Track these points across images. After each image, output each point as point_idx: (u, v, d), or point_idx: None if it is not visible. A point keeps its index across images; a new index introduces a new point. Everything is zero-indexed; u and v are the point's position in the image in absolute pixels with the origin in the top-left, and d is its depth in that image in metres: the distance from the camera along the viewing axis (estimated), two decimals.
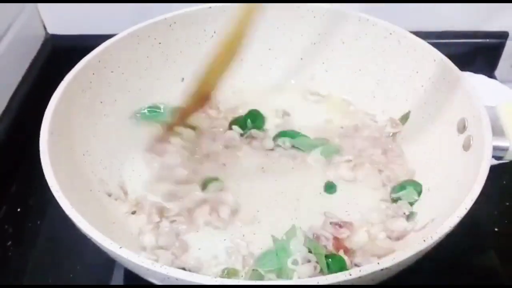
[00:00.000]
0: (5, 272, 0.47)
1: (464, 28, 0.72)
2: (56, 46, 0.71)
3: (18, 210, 0.52)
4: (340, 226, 0.45)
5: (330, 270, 0.41)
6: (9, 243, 0.49)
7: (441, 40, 0.68)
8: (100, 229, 0.34)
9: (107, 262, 0.45)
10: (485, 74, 0.64)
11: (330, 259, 0.42)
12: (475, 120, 0.43)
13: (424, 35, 0.52)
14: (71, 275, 0.47)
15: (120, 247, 0.33)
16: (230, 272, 0.42)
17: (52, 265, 0.48)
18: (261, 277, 0.41)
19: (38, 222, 0.51)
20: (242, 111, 0.58)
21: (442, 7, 0.68)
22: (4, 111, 0.59)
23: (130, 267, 0.35)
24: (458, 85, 0.47)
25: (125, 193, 0.49)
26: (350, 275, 0.31)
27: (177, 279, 0.31)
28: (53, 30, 0.73)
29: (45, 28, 0.73)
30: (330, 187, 0.50)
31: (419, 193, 0.48)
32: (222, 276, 0.41)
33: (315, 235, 0.44)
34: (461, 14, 0.70)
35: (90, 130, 0.49)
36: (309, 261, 0.41)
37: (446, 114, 0.48)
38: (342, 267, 0.41)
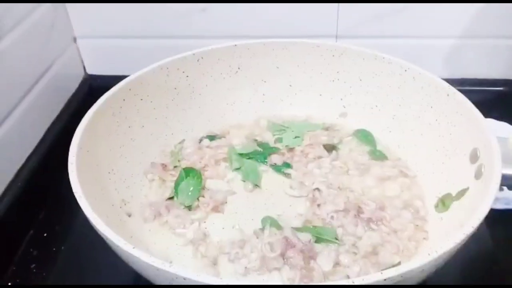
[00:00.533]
0: None
1: (487, 76, 0.74)
2: (93, 85, 0.77)
3: (45, 235, 0.55)
4: None
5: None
6: (33, 265, 0.51)
7: (462, 87, 0.71)
8: None
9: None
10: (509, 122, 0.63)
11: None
12: (486, 149, 0.44)
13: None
14: None
15: (133, 247, 0.34)
16: None
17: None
18: None
19: (62, 248, 0.53)
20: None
21: (466, 54, 0.71)
22: (39, 143, 0.62)
23: (141, 269, 0.36)
24: (470, 117, 0.48)
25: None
26: (353, 282, 0.31)
27: (184, 278, 0.32)
28: (91, 70, 0.79)
29: (84, 68, 0.79)
30: None
31: None
32: None
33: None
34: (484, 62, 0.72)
35: (116, 151, 0.52)
36: None
37: (460, 146, 0.49)
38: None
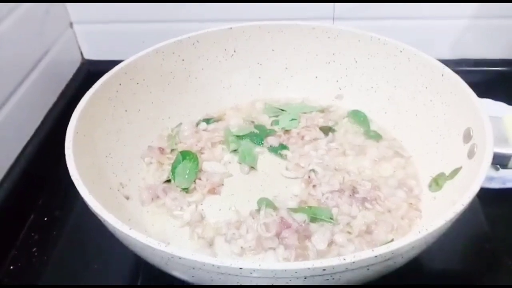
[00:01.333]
0: (27, 277, 0.49)
1: (484, 56, 0.74)
2: (91, 70, 0.77)
3: (45, 219, 0.55)
4: None
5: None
6: (34, 249, 0.52)
7: (459, 68, 0.71)
8: None
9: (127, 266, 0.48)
10: (506, 102, 0.64)
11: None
12: (479, 129, 0.44)
13: (444, 63, 0.53)
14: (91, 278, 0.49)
15: (130, 229, 0.35)
16: None
17: (69, 270, 0.50)
18: None
19: (63, 231, 0.54)
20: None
21: (464, 36, 0.71)
22: (37, 129, 0.63)
23: (138, 250, 0.37)
24: (463, 97, 0.48)
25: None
26: (344, 260, 0.32)
27: (180, 258, 0.33)
28: (89, 55, 0.79)
29: (81, 54, 0.79)
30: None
31: None
32: None
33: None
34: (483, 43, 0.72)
35: (113, 135, 0.53)
36: None
37: (453, 126, 0.49)
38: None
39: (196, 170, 0.53)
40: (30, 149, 0.60)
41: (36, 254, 0.51)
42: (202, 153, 0.56)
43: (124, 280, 0.49)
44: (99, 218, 0.37)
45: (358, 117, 0.60)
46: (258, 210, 0.49)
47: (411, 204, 0.49)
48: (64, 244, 0.52)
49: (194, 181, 0.53)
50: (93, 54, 0.79)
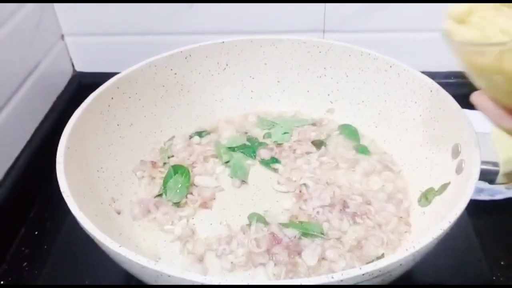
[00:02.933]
0: None
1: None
2: (82, 82, 0.77)
3: (36, 233, 0.55)
4: None
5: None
6: (25, 263, 0.52)
7: (448, 80, 0.71)
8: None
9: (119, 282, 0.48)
10: None
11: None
12: (467, 145, 0.45)
13: (430, 75, 0.53)
14: None
15: (120, 246, 0.35)
16: None
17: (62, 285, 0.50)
18: None
19: (54, 245, 0.53)
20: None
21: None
22: (28, 142, 0.63)
23: (128, 267, 0.37)
24: (452, 113, 0.48)
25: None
26: (332, 278, 0.32)
27: (169, 276, 0.33)
28: (80, 67, 0.79)
29: (73, 66, 0.79)
30: None
31: None
32: None
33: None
34: None
35: (105, 149, 0.53)
36: None
37: (442, 141, 0.50)
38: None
39: (187, 184, 0.54)
40: (21, 162, 0.60)
41: (27, 268, 0.51)
42: (194, 167, 0.56)
43: None
44: (89, 235, 0.37)
45: (349, 130, 0.61)
46: (249, 225, 0.49)
47: (401, 217, 0.50)
48: (55, 259, 0.52)
49: (186, 196, 0.53)
50: (85, 66, 0.79)
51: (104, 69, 0.70)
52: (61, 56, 0.76)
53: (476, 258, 0.51)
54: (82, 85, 0.77)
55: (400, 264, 0.34)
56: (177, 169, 0.55)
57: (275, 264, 0.44)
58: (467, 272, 0.50)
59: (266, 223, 0.49)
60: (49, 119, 0.68)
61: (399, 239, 0.48)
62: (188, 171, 0.55)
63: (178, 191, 0.53)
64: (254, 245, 0.46)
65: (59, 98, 0.72)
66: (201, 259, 0.46)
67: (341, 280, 0.32)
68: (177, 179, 0.54)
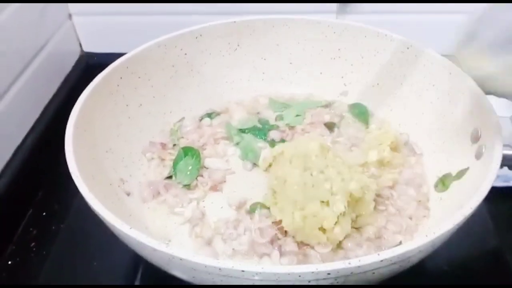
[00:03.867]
0: (26, 272, 0.48)
1: None
2: (90, 63, 0.76)
3: (44, 214, 0.54)
4: None
5: None
6: (33, 244, 0.51)
7: None
8: None
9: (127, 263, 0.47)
10: None
11: None
12: (488, 130, 0.43)
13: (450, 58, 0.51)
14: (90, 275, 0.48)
15: (130, 228, 0.34)
16: None
17: (68, 266, 0.49)
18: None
19: (62, 226, 0.53)
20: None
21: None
22: (36, 122, 0.62)
23: (138, 249, 0.36)
24: (472, 96, 0.47)
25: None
26: (349, 264, 0.31)
27: (181, 259, 0.32)
28: (88, 48, 0.78)
29: (80, 46, 0.78)
30: None
31: None
32: None
33: None
34: None
35: (114, 130, 0.52)
36: None
37: (461, 125, 0.48)
38: None
39: (198, 166, 0.53)
40: (29, 142, 0.59)
41: (34, 249, 0.50)
42: (204, 149, 0.55)
43: (124, 278, 0.48)
44: (99, 216, 0.37)
45: (359, 110, 0.60)
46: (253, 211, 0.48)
47: (420, 201, 0.48)
48: (63, 240, 0.51)
49: (196, 178, 0.52)
50: (93, 46, 0.77)
51: (112, 50, 0.68)
52: (69, 36, 0.75)
53: (491, 245, 0.50)
54: (89, 66, 0.75)
55: (420, 251, 0.33)
56: (188, 151, 0.54)
57: (282, 255, 0.43)
58: (483, 259, 0.49)
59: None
60: (57, 100, 0.67)
61: (416, 225, 0.46)
62: (199, 153, 0.53)
63: (188, 173, 0.52)
64: (258, 235, 0.45)
65: (67, 78, 0.71)
66: (209, 243, 0.45)
67: (359, 267, 0.31)
68: (187, 161, 0.53)
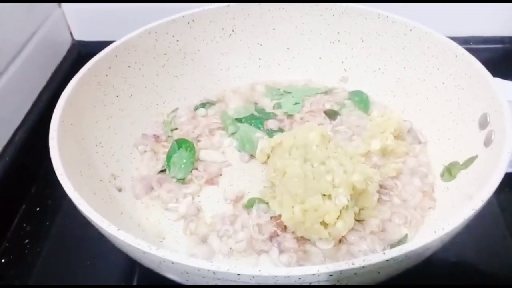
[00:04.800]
0: (20, 271, 0.47)
1: (494, 33, 0.70)
2: (82, 52, 0.73)
3: (37, 209, 0.53)
4: None
5: None
6: (27, 241, 0.49)
7: (476, 46, 0.68)
8: (105, 217, 0.34)
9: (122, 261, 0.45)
10: None
11: None
12: (497, 115, 0.41)
13: (456, 40, 0.50)
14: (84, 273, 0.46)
15: (118, 229, 0.32)
16: None
17: (63, 263, 0.47)
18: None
19: (56, 222, 0.51)
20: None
21: (471, 12, 0.67)
22: (27, 115, 0.60)
23: (128, 251, 0.34)
24: (479, 80, 0.45)
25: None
26: (353, 264, 0.29)
27: (172, 262, 0.30)
28: (79, 36, 0.75)
29: (71, 34, 0.75)
30: None
31: None
32: None
33: None
34: (491, 19, 0.68)
35: (104, 122, 0.49)
36: None
37: (468, 111, 0.46)
38: None
39: (192, 159, 0.50)
40: (20, 135, 0.57)
41: (28, 246, 0.49)
42: (199, 140, 0.53)
43: (119, 277, 0.46)
44: (85, 217, 0.34)
45: (359, 98, 0.57)
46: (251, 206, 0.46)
47: (425, 192, 0.46)
48: (57, 236, 0.50)
49: (191, 172, 0.50)
50: (84, 35, 0.75)
51: (104, 38, 0.66)
52: (59, 24, 0.72)
53: (500, 235, 0.48)
54: (81, 55, 0.73)
55: (428, 248, 0.31)
56: (181, 143, 0.51)
57: (281, 252, 0.41)
58: (492, 250, 0.47)
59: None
60: (48, 90, 0.64)
61: (422, 216, 0.44)
62: (193, 146, 0.51)
63: (182, 166, 0.50)
64: (256, 231, 0.42)
65: (58, 68, 0.69)
66: (204, 240, 0.43)
67: (363, 267, 0.29)
68: (181, 154, 0.50)
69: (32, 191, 0.55)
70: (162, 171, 0.50)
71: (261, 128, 0.55)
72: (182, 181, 0.49)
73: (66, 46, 0.74)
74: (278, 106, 0.58)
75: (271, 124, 0.55)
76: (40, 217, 0.52)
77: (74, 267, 0.46)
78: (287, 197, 0.42)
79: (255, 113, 0.56)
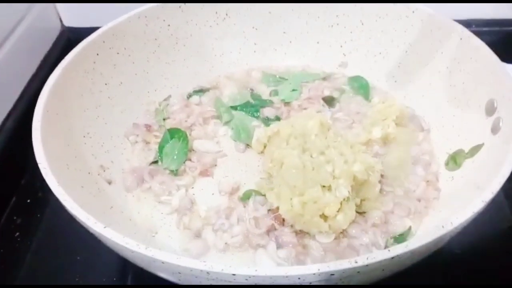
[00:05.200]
0: (11, 264, 0.45)
1: (495, 16, 0.68)
2: (72, 39, 0.71)
3: (28, 201, 0.51)
4: None
5: None
6: (17, 234, 0.48)
7: (482, 28, 0.66)
8: (93, 212, 0.32)
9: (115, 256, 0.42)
10: None
11: None
12: (505, 100, 0.39)
13: (461, 23, 0.48)
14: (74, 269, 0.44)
15: (105, 227, 0.30)
16: None
17: (54, 257, 0.45)
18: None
19: (47, 213, 0.49)
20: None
21: None
22: (16, 103, 0.58)
23: (116, 250, 0.32)
24: (486, 64, 0.43)
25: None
26: (356, 262, 0.27)
27: (163, 262, 0.28)
28: (69, 22, 0.73)
29: (61, 20, 0.72)
30: None
31: None
32: None
33: None
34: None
35: (92, 112, 0.47)
36: None
37: (474, 97, 0.44)
38: None
39: (185, 150, 0.48)
40: (8, 125, 0.55)
41: (19, 239, 0.47)
42: (192, 130, 0.51)
43: (112, 269, 0.44)
44: (70, 213, 0.32)
45: (359, 84, 0.55)
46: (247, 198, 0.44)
47: (428, 181, 0.44)
48: (48, 229, 0.48)
49: (184, 162, 0.48)
50: (74, 20, 0.72)
51: (95, 24, 0.64)
52: (47, 9, 0.69)
53: (506, 224, 0.46)
54: (71, 42, 0.69)
55: (435, 244, 0.29)
56: (174, 133, 0.49)
57: (278, 247, 0.39)
58: (497, 239, 0.45)
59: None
60: (37, 79, 0.62)
61: (426, 207, 0.42)
62: (186, 135, 0.49)
63: (175, 157, 0.48)
64: (253, 225, 0.40)
65: (47, 56, 0.67)
66: (198, 235, 0.41)
67: (367, 265, 0.27)
68: (174, 144, 0.48)
69: (22, 183, 0.53)
70: (154, 162, 0.48)
71: (257, 116, 0.52)
72: (175, 172, 0.47)
73: (56, 32, 0.71)
74: (275, 93, 0.56)
75: (267, 112, 0.53)
76: (30, 209, 0.50)
77: (65, 260, 0.45)
78: (285, 188, 0.40)
79: (251, 100, 0.54)
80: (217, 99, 0.54)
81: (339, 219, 0.38)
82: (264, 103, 0.54)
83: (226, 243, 0.40)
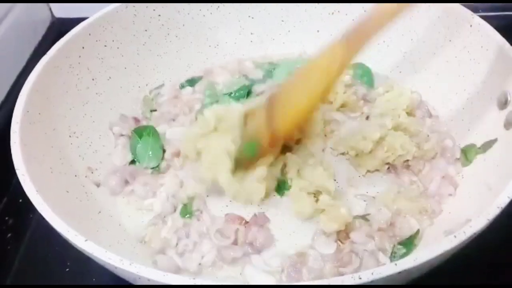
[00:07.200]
0: (2, 265, 0.43)
1: None
2: (63, 30, 0.68)
3: (20, 201, 0.49)
4: None
5: None
6: (9, 235, 0.46)
7: (494, 13, 0.62)
8: (80, 219, 0.30)
9: None
10: None
11: None
12: None
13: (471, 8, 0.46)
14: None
15: (86, 240, 0.28)
16: None
17: (47, 258, 0.44)
18: None
19: (39, 213, 0.47)
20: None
21: None
22: (5, 99, 0.56)
23: (100, 263, 0.30)
24: (498, 53, 0.41)
25: None
26: (360, 278, 0.25)
27: (148, 279, 0.26)
28: (59, 13, 0.71)
29: (51, 11, 0.71)
30: None
31: None
32: None
33: None
34: None
35: (79, 109, 0.45)
36: None
37: (485, 88, 0.42)
38: None
39: (159, 143, 0.47)
40: None
41: (10, 241, 0.46)
42: (173, 120, 0.49)
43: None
44: (50, 225, 0.30)
45: (362, 71, 0.53)
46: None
47: (444, 176, 0.42)
48: (41, 230, 0.46)
49: (163, 157, 0.46)
50: (65, 11, 0.71)
51: (86, 15, 0.62)
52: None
53: None
54: (62, 33, 0.67)
55: (445, 256, 0.27)
56: (141, 132, 0.47)
57: (258, 252, 0.37)
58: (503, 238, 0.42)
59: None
60: (27, 73, 0.58)
61: (434, 210, 0.40)
62: (154, 129, 0.48)
63: (150, 154, 0.46)
64: (219, 238, 0.38)
65: (37, 48, 0.66)
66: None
67: (371, 281, 0.25)
68: (145, 141, 0.47)
69: (14, 182, 0.50)
70: (132, 162, 0.46)
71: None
72: (158, 169, 0.45)
73: (46, 24, 0.70)
74: (269, 75, 0.54)
75: (260, 88, 0.52)
76: (23, 209, 0.48)
77: (58, 261, 0.43)
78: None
79: (247, 83, 0.53)
80: (209, 84, 0.53)
81: (343, 212, 0.36)
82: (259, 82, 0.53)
83: (200, 264, 0.37)
